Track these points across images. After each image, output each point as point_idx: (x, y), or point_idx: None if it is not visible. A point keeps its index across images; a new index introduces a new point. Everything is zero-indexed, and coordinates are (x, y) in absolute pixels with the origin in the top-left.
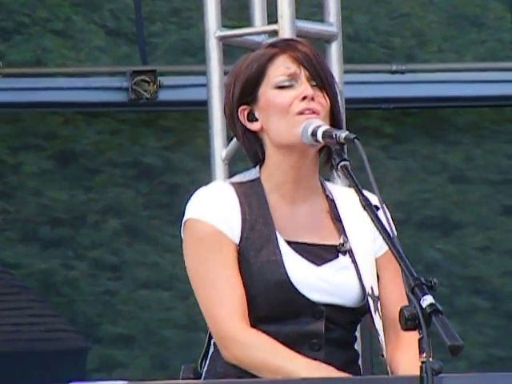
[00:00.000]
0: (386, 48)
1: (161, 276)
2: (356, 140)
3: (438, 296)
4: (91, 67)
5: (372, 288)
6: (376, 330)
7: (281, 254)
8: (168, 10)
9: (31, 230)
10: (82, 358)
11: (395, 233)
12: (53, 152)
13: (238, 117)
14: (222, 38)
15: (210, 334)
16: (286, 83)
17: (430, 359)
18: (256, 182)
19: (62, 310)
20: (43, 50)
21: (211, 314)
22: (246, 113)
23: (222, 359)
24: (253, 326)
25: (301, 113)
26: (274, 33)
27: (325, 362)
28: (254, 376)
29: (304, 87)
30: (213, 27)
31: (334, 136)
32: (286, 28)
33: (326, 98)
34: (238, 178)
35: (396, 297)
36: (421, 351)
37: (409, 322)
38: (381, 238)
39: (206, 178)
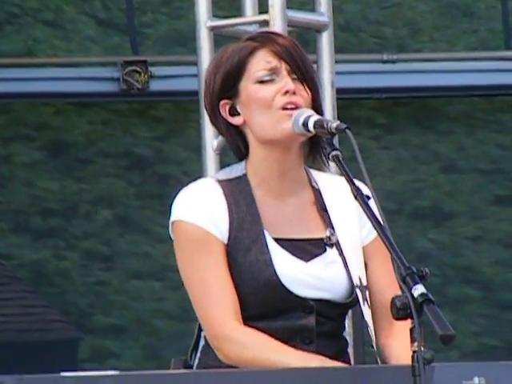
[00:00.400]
0: (377, 38)
1: (152, 266)
2: (347, 130)
3: (430, 286)
4: (82, 57)
5: (360, 278)
6: (365, 322)
7: (269, 252)
8: (159, 0)
9: (23, 220)
10: (74, 349)
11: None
12: (44, 142)
13: (219, 111)
14: (212, 28)
15: (199, 325)
16: (267, 78)
17: (422, 348)
18: (242, 179)
19: (53, 300)
20: (34, 40)
21: (204, 315)
22: (227, 107)
23: (214, 352)
24: (244, 324)
25: (283, 107)
26: (265, 23)
27: (317, 353)
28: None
29: (285, 81)
30: (204, 17)
31: (326, 126)
32: (276, 18)
33: (308, 90)
34: (224, 175)
35: (386, 282)
36: (412, 341)
37: (400, 311)
38: (367, 225)
39: (198, 168)
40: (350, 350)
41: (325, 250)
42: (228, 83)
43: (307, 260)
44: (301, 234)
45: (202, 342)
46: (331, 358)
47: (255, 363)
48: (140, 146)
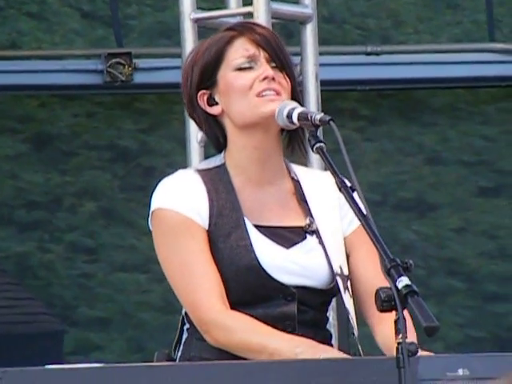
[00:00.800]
0: (361, 29)
1: (137, 259)
2: (331, 122)
3: (414, 277)
4: (66, 50)
5: (341, 267)
6: (346, 309)
7: (249, 238)
8: None
9: (7, 213)
10: (59, 341)
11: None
12: (28, 135)
13: (197, 102)
14: (197, 20)
15: (182, 319)
16: (246, 65)
17: (406, 340)
18: (222, 168)
19: (38, 292)
20: (18, 32)
21: (190, 301)
22: (205, 97)
23: (196, 344)
24: None
25: (262, 93)
26: (249, 15)
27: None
28: (229, 359)
29: (264, 68)
30: (188, 9)
31: (310, 118)
32: (260, 10)
33: (287, 78)
34: (203, 165)
35: (373, 272)
36: (397, 332)
37: (385, 303)
38: (349, 215)
39: (182, 161)
40: (335, 343)
41: (305, 238)
42: (206, 74)
43: (288, 247)
44: (281, 221)
45: (184, 335)
46: None
47: (243, 347)
48: (124, 139)
